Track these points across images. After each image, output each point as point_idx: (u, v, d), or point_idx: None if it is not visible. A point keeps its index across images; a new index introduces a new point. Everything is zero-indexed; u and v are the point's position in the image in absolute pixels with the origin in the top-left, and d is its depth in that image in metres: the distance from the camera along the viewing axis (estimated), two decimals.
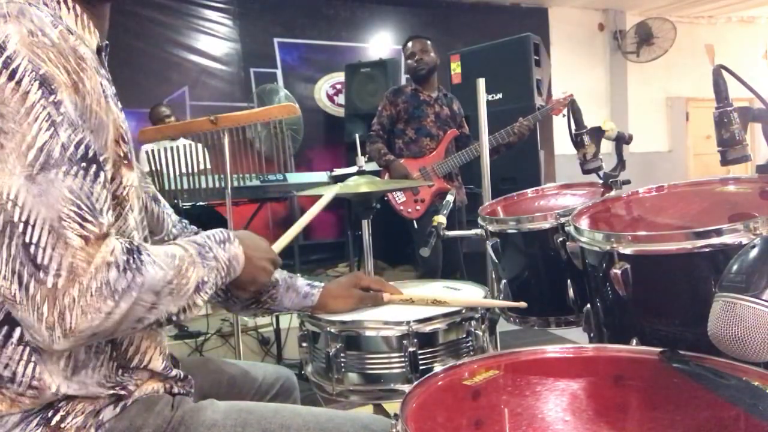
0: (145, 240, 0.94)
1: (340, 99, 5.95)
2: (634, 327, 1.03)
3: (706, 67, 1.21)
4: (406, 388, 0.93)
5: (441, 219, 1.61)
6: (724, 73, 1.11)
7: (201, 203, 3.23)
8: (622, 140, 1.56)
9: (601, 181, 1.53)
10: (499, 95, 4.53)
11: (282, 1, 6.14)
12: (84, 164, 0.73)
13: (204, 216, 3.35)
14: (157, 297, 0.76)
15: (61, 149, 0.71)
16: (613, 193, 1.44)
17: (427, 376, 0.86)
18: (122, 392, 0.85)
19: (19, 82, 0.70)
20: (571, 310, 1.40)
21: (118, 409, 0.84)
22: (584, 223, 1.20)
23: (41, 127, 0.70)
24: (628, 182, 1.48)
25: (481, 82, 2.52)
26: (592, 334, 1.20)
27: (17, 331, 0.77)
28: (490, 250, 1.52)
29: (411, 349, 1.12)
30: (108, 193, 0.76)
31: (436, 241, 1.57)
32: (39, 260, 0.69)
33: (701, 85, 7.34)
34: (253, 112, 2.43)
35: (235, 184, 2.57)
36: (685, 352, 0.84)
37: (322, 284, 1.24)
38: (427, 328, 1.14)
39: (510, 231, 1.47)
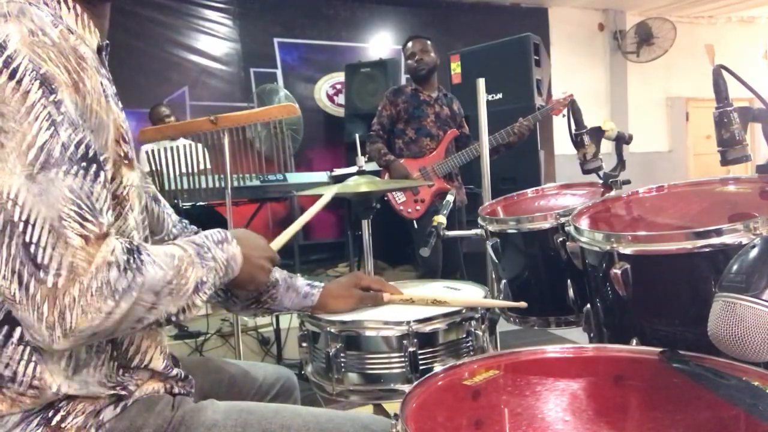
0: (145, 240, 0.94)
1: (340, 99, 5.96)
2: (634, 327, 1.03)
3: (706, 67, 1.21)
4: (406, 388, 0.93)
5: (441, 219, 1.61)
6: (724, 73, 1.11)
7: (201, 203, 3.23)
8: (622, 140, 1.56)
9: (601, 181, 1.53)
10: (499, 95, 4.53)
11: (282, 1, 6.15)
12: (84, 164, 0.73)
13: (204, 216, 3.35)
14: (157, 297, 0.76)
15: (62, 149, 0.71)
16: (613, 193, 1.44)
17: (427, 376, 0.86)
18: (123, 392, 0.85)
19: (19, 82, 0.70)
20: (571, 310, 1.40)
21: (118, 409, 0.84)
22: (584, 223, 1.20)
23: (41, 127, 0.70)
24: (628, 182, 1.48)
25: (481, 82, 2.52)
26: (592, 334, 1.20)
27: (18, 331, 0.77)
28: (490, 250, 1.52)
29: (411, 349, 1.11)
30: (108, 192, 0.76)
31: (436, 241, 1.57)
32: (39, 260, 0.69)
33: (701, 85, 7.34)
34: (253, 112, 2.43)
35: (235, 184, 2.57)
36: (685, 352, 0.84)
37: (322, 284, 1.24)
38: (427, 328, 1.14)
39: (510, 231, 1.47)
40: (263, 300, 1.16)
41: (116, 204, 0.83)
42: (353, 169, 2.11)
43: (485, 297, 1.31)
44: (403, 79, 5.83)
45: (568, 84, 6.24)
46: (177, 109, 5.00)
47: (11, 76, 0.69)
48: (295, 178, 3.73)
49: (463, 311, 1.19)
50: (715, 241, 0.88)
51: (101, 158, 0.77)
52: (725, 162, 1.13)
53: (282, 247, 1.14)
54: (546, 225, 1.40)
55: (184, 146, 2.71)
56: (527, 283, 1.51)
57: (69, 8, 0.83)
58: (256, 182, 3.29)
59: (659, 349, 0.86)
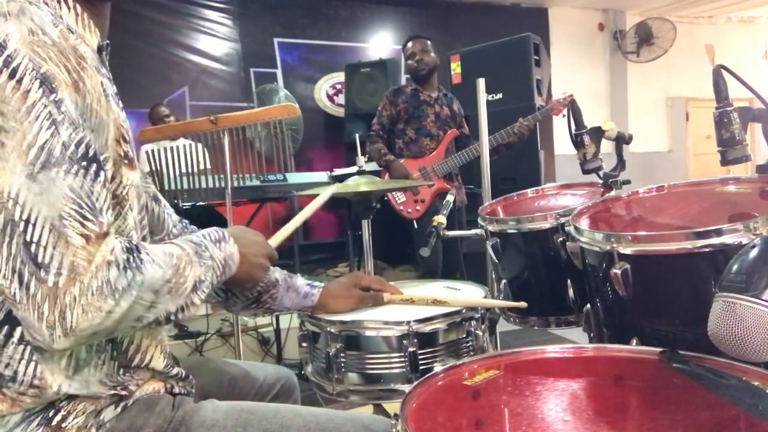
0: (143, 240, 0.94)
1: (340, 99, 5.95)
2: (634, 327, 1.03)
3: (706, 67, 1.21)
4: (406, 388, 0.93)
5: (441, 219, 1.61)
6: (724, 73, 1.11)
7: (201, 203, 3.23)
8: (622, 140, 1.56)
9: (601, 181, 1.53)
10: (499, 95, 4.53)
11: (282, 1, 6.14)
12: (84, 163, 0.73)
13: (204, 216, 3.35)
14: (156, 296, 0.76)
15: (62, 148, 0.71)
16: (613, 193, 1.44)
17: (427, 376, 0.86)
18: (123, 392, 0.85)
19: (19, 81, 0.70)
20: (571, 310, 1.40)
21: (119, 409, 0.84)
22: (584, 223, 1.20)
23: (42, 126, 0.70)
24: (628, 182, 1.48)
25: (481, 82, 2.52)
26: (592, 334, 1.20)
27: (18, 331, 0.77)
28: (490, 250, 1.52)
29: (411, 349, 1.11)
30: (108, 192, 0.76)
31: (436, 241, 1.57)
32: (40, 259, 0.69)
33: (701, 85, 7.34)
34: (253, 112, 2.43)
35: (235, 184, 2.57)
36: (685, 352, 0.84)
37: (322, 284, 1.24)
38: (427, 328, 1.14)
39: (510, 231, 1.47)
40: (263, 300, 1.16)
41: (116, 203, 0.83)
42: (353, 169, 2.11)
43: (485, 297, 1.31)
44: (403, 79, 5.84)
45: (568, 84, 6.24)
46: (177, 109, 4.99)
47: (11, 76, 0.69)
48: (295, 178, 3.73)
49: (463, 311, 1.19)
50: (715, 241, 0.88)
51: (101, 158, 0.77)
52: (725, 162, 1.13)
53: (282, 247, 1.14)
54: (546, 225, 1.40)
55: (184, 146, 2.71)
56: (527, 283, 1.51)
57: (69, 8, 0.83)
58: (256, 182, 3.29)
59: (659, 349, 0.86)
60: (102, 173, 0.75)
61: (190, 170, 2.70)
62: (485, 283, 1.73)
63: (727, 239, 0.88)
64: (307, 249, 5.41)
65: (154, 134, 2.52)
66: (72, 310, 0.69)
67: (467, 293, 1.36)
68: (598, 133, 1.52)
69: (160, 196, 1.13)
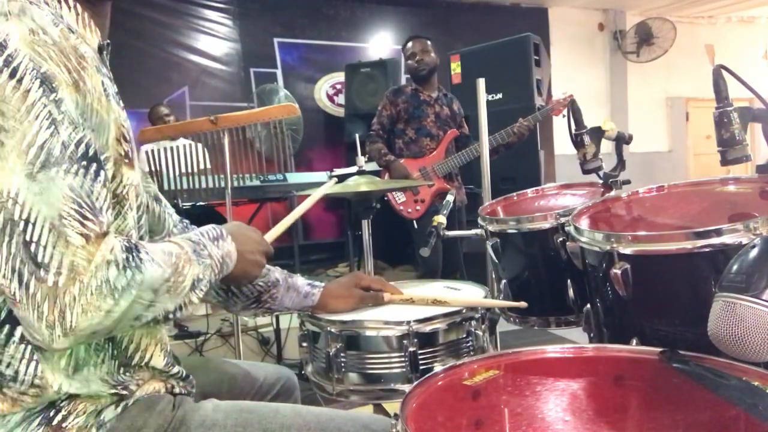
0: (142, 239, 0.94)
1: (340, 99, 5.95)
2: (634, 327, 1.03)
3: (706, 67, 1.21)
4: (406, 388, 0.93)
5: (441, 219, 1.61)
6: (724, 73, 1.11)
7: (201, 203, 3.23)
8: (622, 140, 1.56)
9: (601, 181, 1.53)
10: (499, 95, 4.53)
11: (282, 1, 6.14)
12: (84, 163, 0.73)
13: (204, 216, 3.35)
14: (155, 295, 0.76)
15: (62, 147, 0.71)
16: (613, 193, 1.44)
17: (427, 376, 0.86)
18: (124, 392, 0.85)
19: (20, 81, 0.70)
20: (571, 310, 1.40)
21: (119, 409, 0.84)
22: (584, 223, 1.20)
23: (42, 126, 0.70)
24: (628, 182, 1.48)
25: (481, 82, 2.52)
26: (592, 334, 1.20)
27: (19, 330, 0.77)
28: (490, 250, 1.52)
29: (411, 349, 1.12)
30: (108, 192, 0.76)
31: (436, 241, 1.57)
32: (39, 258, 0.69)
33: (701, 85, 7.33)
34: (253, 112, 2.43)
35: (235, 184, 2.57)
36: (685, 352, 0.84)
37: (323, 284, 1.24)
38: (428, 328, 1.14)
39: (510, 231, 1.47)
40: (264, 300, 1.16)
41: (116, 203, 0.83)
42: (353, 169, 2.11)
43: (485, 297, 1.31)
44: (403, 79, 5.84)
45: (568, 84, 6.24)
46: (177, 109, 4.99)
47: (12, 75, 0.69)
48: (295, 178, 3.73)
49: (464, 311, 1.19)
50: (715, 241, 0.88)
51: (102, 157, 0.77)
52: (725, 162, 1.13)
53: (282, 247, 1.14)
54: (546, 225, 1.40)
55: (184, 146, 2.71)
56: (527, 283, 1.51)
57: (69, 7, 0.83)
58: (256, 182, 3.30)
59: (659, 349, 0.86)
60: (102, 173, 0.75)
61: (190, 170, 2.70)
62: (485, 283, 1.73)
63: (727, 239, 0.88)
64: (307, 249, 5.40)
65: (154, 134, 2.52)
66: (71, 310, 0.69)
67: (467, 293, 1.36)
68: (598, 133, 1.52)
69: (161, 196, 1.13)
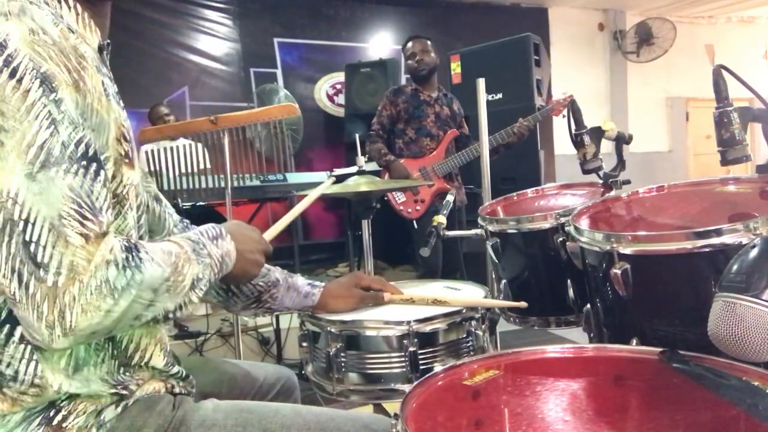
0: (141, 239, 0.94)
1: (340, 99, 5.95)
2: (634, 327, 1.03)
3: (706, 67, 1.21)
4: (407, 387, 0.93)
5: (441, 219, 1.61)
6: (724, 73, 1.11)
7: (201, 203, 3.23)
8: (622, 140, 1.56)
9: (601, 181, 1.53)
10: (499, 95, 4.53)
11: (282, 1, 6.14)
12: (84, 163, 0.73)
13: (204, 216, 3.35)
14: (155, 294, 0.76)
15: (62, 147, 0.71)
16: (613, 193, 1.44)
17: (427, 376, 0.86)
18: (124, 392, 0.85)
19: (20, 81, 0.70)
20: (571, 310, 1.40)
21: (119, 409, 0.84)
22: (584, 223, 1.20)
23: (42, 125, 0.70)
24: (628, 182, 1.48)
25: (481, 82, 2.52)
26: (592, 334, 1.20)
27: (19, 330, 0.77)
28: (490, 250, 1.52)
29: (411, 349, 1.12)
30: (108, 191, 0.76)
31: (436, 241, 1.57)
32: (39, 258, 0.69)
33: (701, 85, 7.33)
34: (253, 112, 2.43)
35: (235, 184, 2.57)
36: (685, 352, 0.84)
37: (323, 284, 1.24)
38: (428, 327, 1.14)
39: (510, 231, 1.47)
40: (264, 300, 1.16)
41: (116, 203, 0.83)
42: (353, 169, 2.11)
43: (485, 297, 1.31)
44: (403, 79, 5.83)
45: (568, 84, 6.24)
46: (177, 109, 4.99)
47: (11, 75, 0.69)
48: (295, 178, 3.73)
49: (464, 311, 1.19)
50: (715, 241, 0.88)
51: (102, 157, 0.77)
52: (725, 162, 1.13)
53: (282, 247, 1.14)
54: (546, 225, 1.40)
55: (184, 146, 2.71)
56: (527, 283, 1.51)
57: (69, 7, 0.83)
58: (256, 182, 3.30)
59: (659, 349, 0.86)
60: (102, 172, 0.75)
61: (190, 170, 2.71)
62: (485, 283, 1.73)
63: (727, 239, 0.88)
64: (307, 249, 5.40)
65: (154, 134, 2.52)
66: (71, 310, 0.69)
67: (467, 293, 1.36)
68: (598, 133, 1.52)
69: (161, 196, 1.13)
